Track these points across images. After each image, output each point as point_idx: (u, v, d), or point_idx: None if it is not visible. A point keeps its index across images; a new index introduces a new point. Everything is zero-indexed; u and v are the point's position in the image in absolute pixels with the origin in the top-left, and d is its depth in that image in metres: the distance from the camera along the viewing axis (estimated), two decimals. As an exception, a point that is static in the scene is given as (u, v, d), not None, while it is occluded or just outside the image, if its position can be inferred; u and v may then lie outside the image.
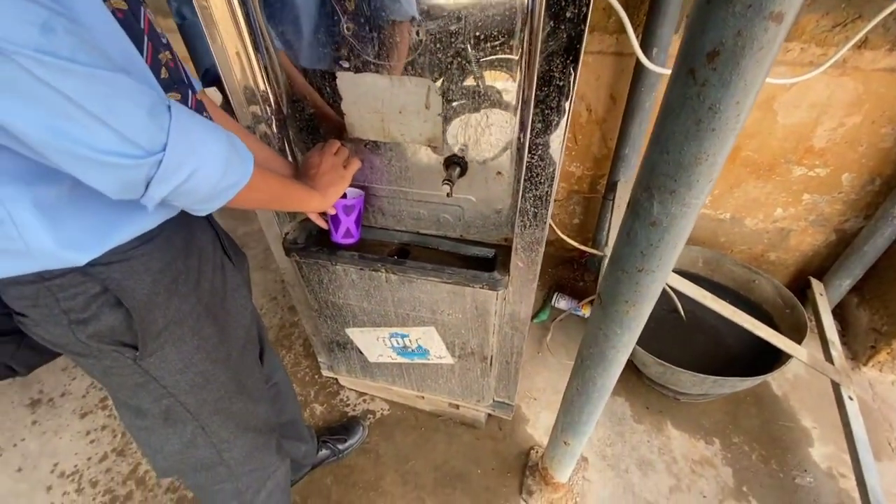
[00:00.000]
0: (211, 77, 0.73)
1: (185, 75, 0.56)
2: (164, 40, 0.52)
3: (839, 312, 1.66)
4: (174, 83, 0.53)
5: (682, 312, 1.48)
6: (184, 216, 0.59)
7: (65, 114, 0.37)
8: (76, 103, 0.37)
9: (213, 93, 0.76)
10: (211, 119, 0.65)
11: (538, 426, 1.44)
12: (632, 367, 1.50)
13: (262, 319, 0.96)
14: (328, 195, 0.76)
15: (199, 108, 0.59)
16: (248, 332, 0.76)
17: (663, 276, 0.56)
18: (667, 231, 0.51)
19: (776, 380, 1.55)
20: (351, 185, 0.89)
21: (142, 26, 0.48)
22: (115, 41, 0.44)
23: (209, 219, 0.68)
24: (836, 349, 1.39)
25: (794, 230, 1.60)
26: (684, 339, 1.53)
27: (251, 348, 0.77)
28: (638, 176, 0.51)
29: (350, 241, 0.97)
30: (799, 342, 1.26)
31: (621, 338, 0.66)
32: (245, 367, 0.75)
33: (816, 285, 1.61)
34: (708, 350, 1.54)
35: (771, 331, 1.22)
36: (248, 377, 0.76)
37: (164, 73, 0.51)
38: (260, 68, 0.78)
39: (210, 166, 0.47)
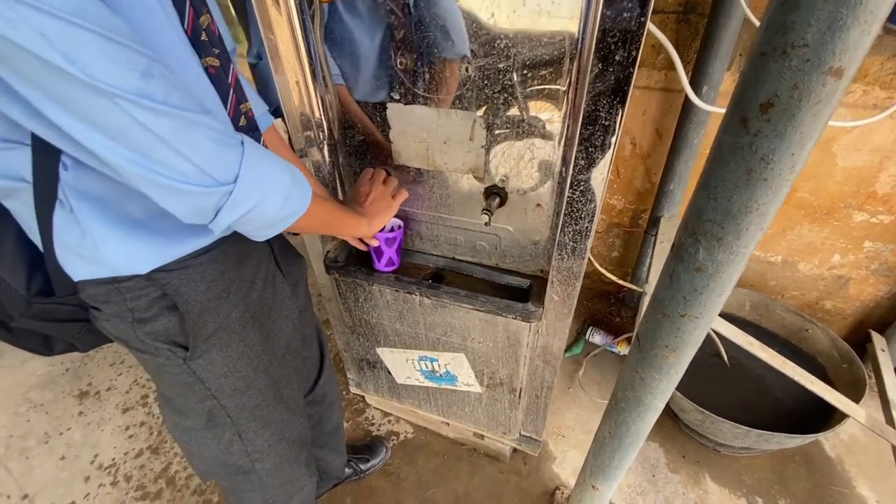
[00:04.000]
0: (279, 115, 0.80)
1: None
2: (245, 93, 0.59)
3: (904, 371, 1.53)
4: (250, 130, 0.60)
5: (726, 358, 1.41)
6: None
7: (154, 149, 0.42)
8: (165, 141, 0.42)
9: (280, 124, 0.82)
10: (281, 147, 0.74)
11: (565, 465, 1.39)
12: (668, 412, 1.43)
13: (323, 333, 1.00)
14: (375, 223, 0.79)
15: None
16: (289, 343, 0.79)
17: (707, 322, 0.54)
18: (712, 278, 0.49)
19: (829, 440, 1.43)
20: None
21: (229, 81, 0.54)
22: (200, 89, 0.50)
23: None
24: (900, 412, 1.27)
25: (853, 278, 1.50)
26: (727, 386, 1.45)
27: (290, 359, 0.80)
28: (683, 219, 0.50)
29: (392, 269, 1.00)
30: (856, 400, 1.17)
31: (659, 384, 0.64)
32: (284, 378, 0.78)
33: (878, 339, 1.49)
34: (753, 401, 1.44)
35: (825, 386, 1.13)
36: (286, 388, 0.79)
37: (242, 121, 0.58)
38: (316, 97, 0.83)
39: (273, 198, 0.52)
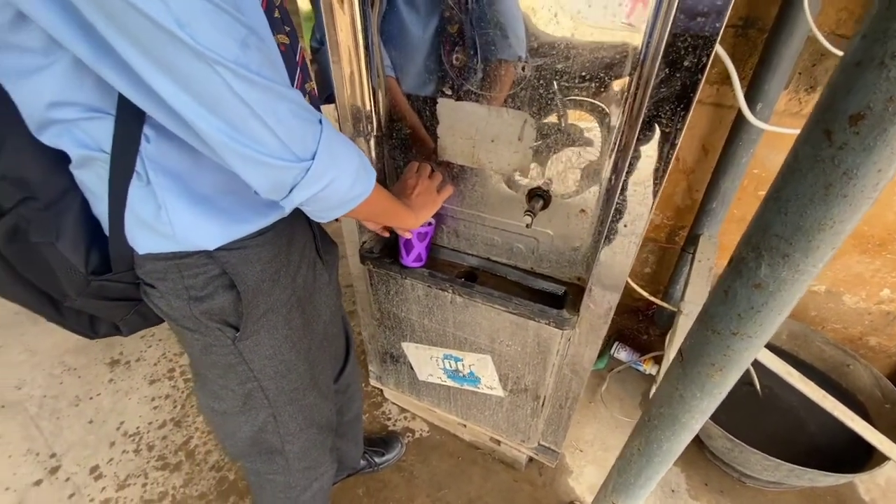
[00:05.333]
0: (333, 101, 0.81)
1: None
2: (310, 73, 0.59)
3: (952, 419, 1.44)
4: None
5: (759, 387, 1.35)
6: (290, 216, 0.64)
7: (244, 120, 0.42)
8: (255, 112, 0.42)
9: (328, 109, 0.83)
10: None
11: (581, 480, 1.36)
12: (693, 437, 1.38)
13: (349, 323, 1.01)
14: (420, 216, 0.80)
15: None
16: (325, 330, 0.80)
17: (760, 343, 0.52)
18: (772, 296, 0.47)
19: (864, 482, 1.36)
20: None
21: (297, 59, 0.55)
22: (282, 64, 0.51)
23: (309, 221, 0.73)
24: (947, 461, 1.19)
25: (902, 316, 1.42)
26: (757, 416, 1.39)
27: (327, 346, 0.81)
28: (746, 234, 0.48)
29: (419, 264, 1.00)
30: (900, 444, 1.10)
31: (700, 403, 0.62)
32: (319, 363, 0.79)
33: (925, 382, 1.41)
34: (784, 433, 1.38)
35: (867, 426, 1.07)
36: (321, 373, 0.80)
37: (307, 100, 0.58)
38: (368, 89, 0.84)
39: (344, 178, 0.52)
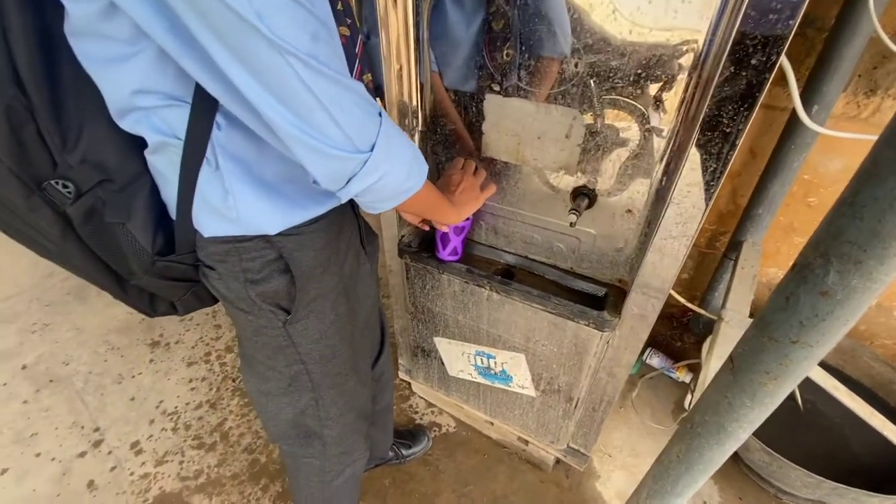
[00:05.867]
0: (380, 94, 0.82)
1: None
2: (369, 64, 0.61)
3: None
4: None
5: (800, 401, 1.30)
6: (341, 206, 0.65)
7: (311, 111, 0.44)
8: (322, 103, 0.43)
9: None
10: None
11: (609, 486, 1.34)
12: (727, 448, 1.34)
13: (384, 314, 1.02)
14: (463, 213, 0.80)
15: None
16: (368, 318, 0.82)
17: (821, 353, 0.50)
18: (839, 305, 0.46)
19: (912, 507, 1.29)
20: None
21: (356, 51, 0.56)
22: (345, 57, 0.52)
23: (356, 213, 0.75)
24: None
25: (960, 334, 1.35)
26: (797, 431, 1.34)
27: (367, 334, 0.83)
28: (813, 240, 0.47)
29: (454, 258, 1.01)
30: (954, 469, 1.05)
31: (749, 412, 0.60)
32: (360, 350, 0.81)
33: (983, 406, 1.33)
34: (825, 451, 1.33)
35: (920, 447, 1.02)
36: (361, 359, 0.82)
37: None
38: (416, 85, 0.84)
39: (398, 171, 0.53)
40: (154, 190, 0.58)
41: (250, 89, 0.41)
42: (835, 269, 0.44)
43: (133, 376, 1.70)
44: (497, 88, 0.78)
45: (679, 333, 1.79)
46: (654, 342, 1.72)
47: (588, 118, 0.72)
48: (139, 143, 0.53)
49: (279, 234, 0.59)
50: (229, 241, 0.58)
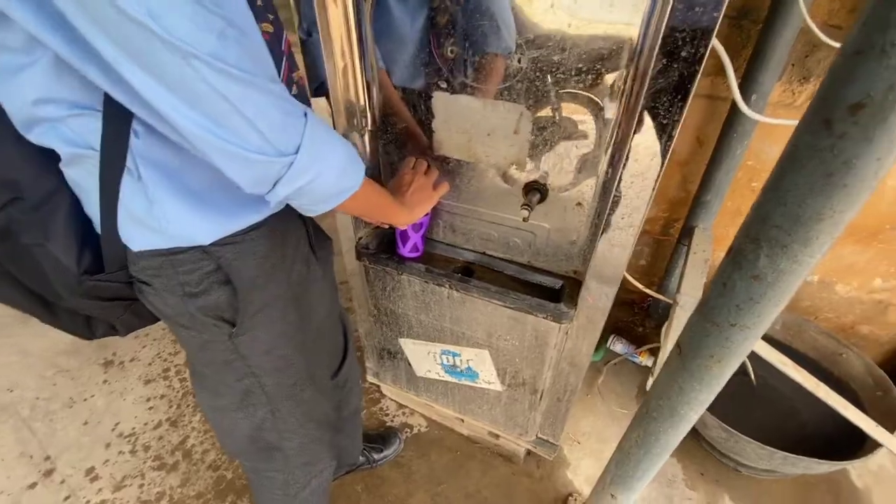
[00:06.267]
0: (323, 91, 0.79)
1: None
2: (296, 61, 0.58)
3: (942, 405, 1.46)
4: (301, 99, 0.60)
5: (753, 377, 1.37)
6: (283, 211, 0.63)
7: (223, 114, 0.42)
8: (234, 106, 0.41)
9: (319, 102, 0.82)
10: None
11: (579, 473, 1.36)
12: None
13: (347, 318, 1.00)
14: (415, 213, 0.79)
15: None
16: (321, 325, 0.80)
17: (758, 334, 0.52)
18: (771, 287, 0.47)
19: (857, 469, 1.38)
20: None
21: (283, 48, 0.54)
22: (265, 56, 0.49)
23: (302, 217, 0.72)
24: (937, 447, 1.21)
25: (894, 304, 1.44)
26: (752, 406, 1.41)
27: (324, 341, 0.81)
28: (744, 225, 0.48)
29: (416, 255, 1.01)
30: (891, 430, 1.12)
31: (698, 395, 0.62)
32: (316, 358, 0.79)
33: (916, 370, 1.43)
34: (777, 422, 1.40)
35: (860, 413, 1.09)
36: (318, 368, 0.80)
37: (294, 90, 0.58)
38: (362, 83, 0.83)
39: (329, 172, 0.51)
40: (76, 205, 0.54)
41: (152, 93, 0.39)
42: (764, 254, 0.46)
43: (85, 399, 1.61)
44: (444, 86, 0.77)
45: (640, 319, 1.85)
46: (616, 328, 1.76)
47: (535, 113, 0.73)
48: (54, 157, 0.49)
49: (216, 244, 0.56)
50: (162, 255, 0.55)
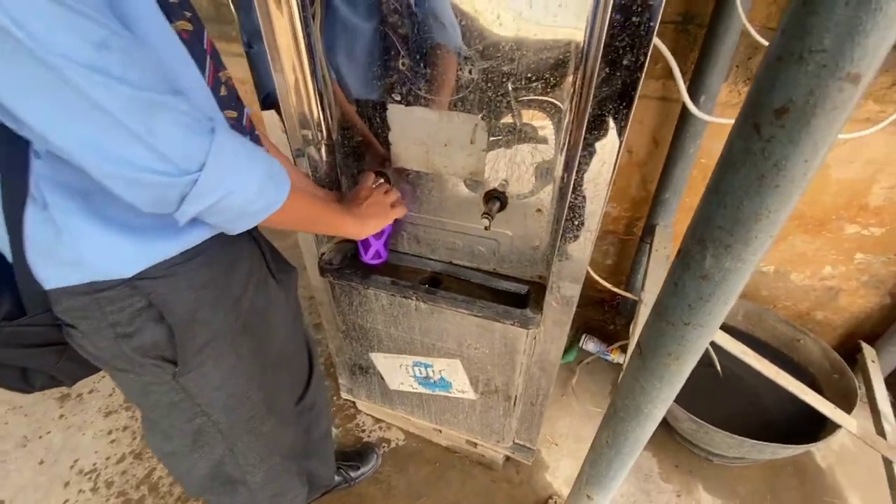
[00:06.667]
0: (270, 101, 0.77)
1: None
2: (222, 60, 0.55)
3: (893, 382, 1.54)
4: (232, 101, 0.56)
5: (719, 368, 1.41)
6: (231, 237, 0.59)
7: (106, 131, 0.38)
8: (121, 123, 0.38)
9: (271, 115, 0.79)
10: (261, 137, 0.68)
11: (558, 474, 1.37)
12: (662, 421, 1.42)
13: (312, 339, 0.96)
14: (367, 225, 0.77)
15: (252, 126, 0.61)
16: (281, 351, 0.76)
17: (711, 331, 0.54)
18: (718, 286, 0.49)
19: (821, 450, 1.44)
20: None
21: (205, 47, 0.50)
22: (176, 61, 0.46)
23: (255, 236, 0.69)
24: (890, 422, 1.27)
25: (844, 290, 1.52)
26: (719, 396, 1.45)
27: (286, 368, 0.77)
28: (690, 226, 0.49)
29: (378, 261, 1.00)
30: (848, 411, 1.17)
31: (660, 392, 0.63)
32: (276, 389, 0.75)
33: (868, 351, 1.51)
34: (744, 410, 1.44)
35: (819, 397, 1.13)
36: (278, 399, 0.76)
37: (223, 91, 0.53)
38: (315, 96, 0.81)
39: (244, 189, 0.48)
40: None
41: (26, 112, 0.36)
42: (710, 254, 0.47)
43: (40, 437, 1.52)
44: (398, 98, 0.77)
45: (611, 317, 1.88)
46: (588, 327, 1.79)
47: (490, 123, 0.73)
48: None
49: (145, 278, 0.52)
50: (85, 292, 0.50)
